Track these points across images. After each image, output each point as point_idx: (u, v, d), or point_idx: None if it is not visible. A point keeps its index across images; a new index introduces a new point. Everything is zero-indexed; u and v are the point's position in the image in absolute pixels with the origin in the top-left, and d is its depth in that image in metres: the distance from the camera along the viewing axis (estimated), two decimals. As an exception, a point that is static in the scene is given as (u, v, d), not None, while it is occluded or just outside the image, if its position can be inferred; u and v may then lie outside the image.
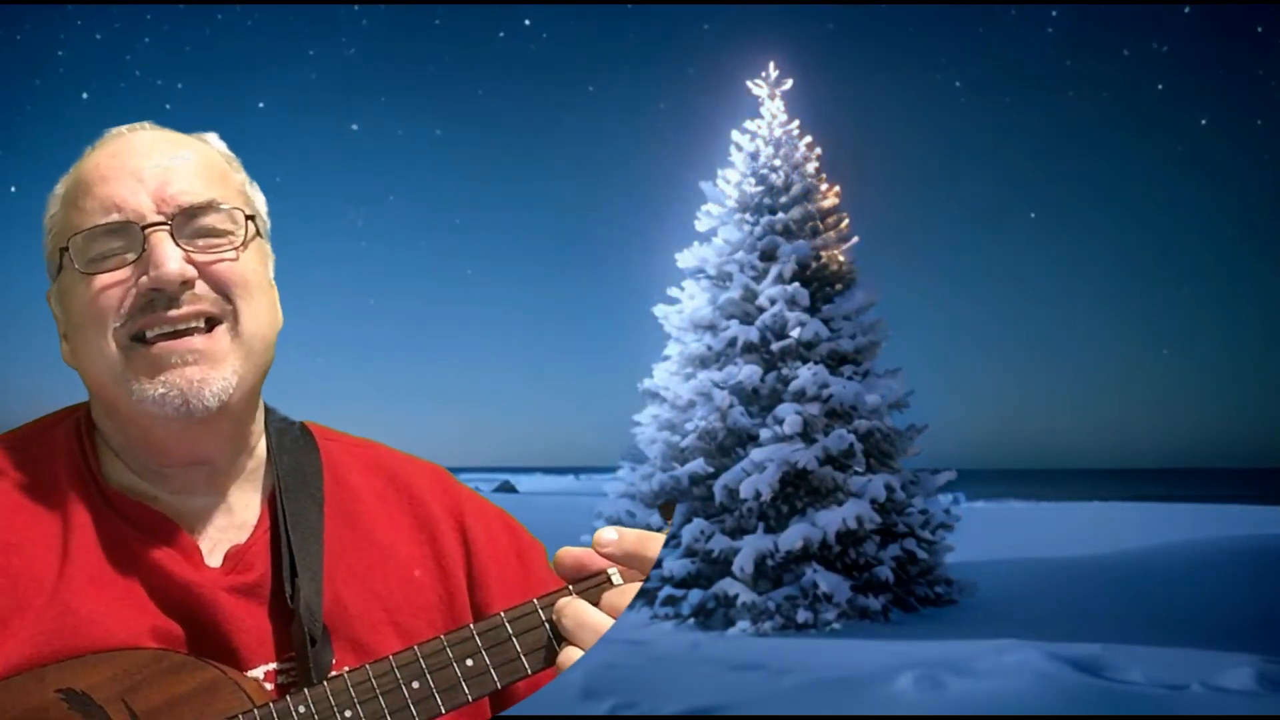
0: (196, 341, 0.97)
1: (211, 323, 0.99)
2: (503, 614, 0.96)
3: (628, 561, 0.99)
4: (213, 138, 1.10)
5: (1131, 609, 10.85)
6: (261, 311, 1.03)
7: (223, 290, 1.00)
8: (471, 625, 0.95)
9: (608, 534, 0.99)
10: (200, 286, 0.99)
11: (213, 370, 0.97)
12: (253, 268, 1.03)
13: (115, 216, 0.98)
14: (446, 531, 1.13)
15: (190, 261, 0.98)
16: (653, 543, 1.00)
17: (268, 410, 1.12)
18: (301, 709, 0.92)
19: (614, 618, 0.98)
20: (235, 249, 1.01)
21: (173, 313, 0.97)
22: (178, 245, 0.98)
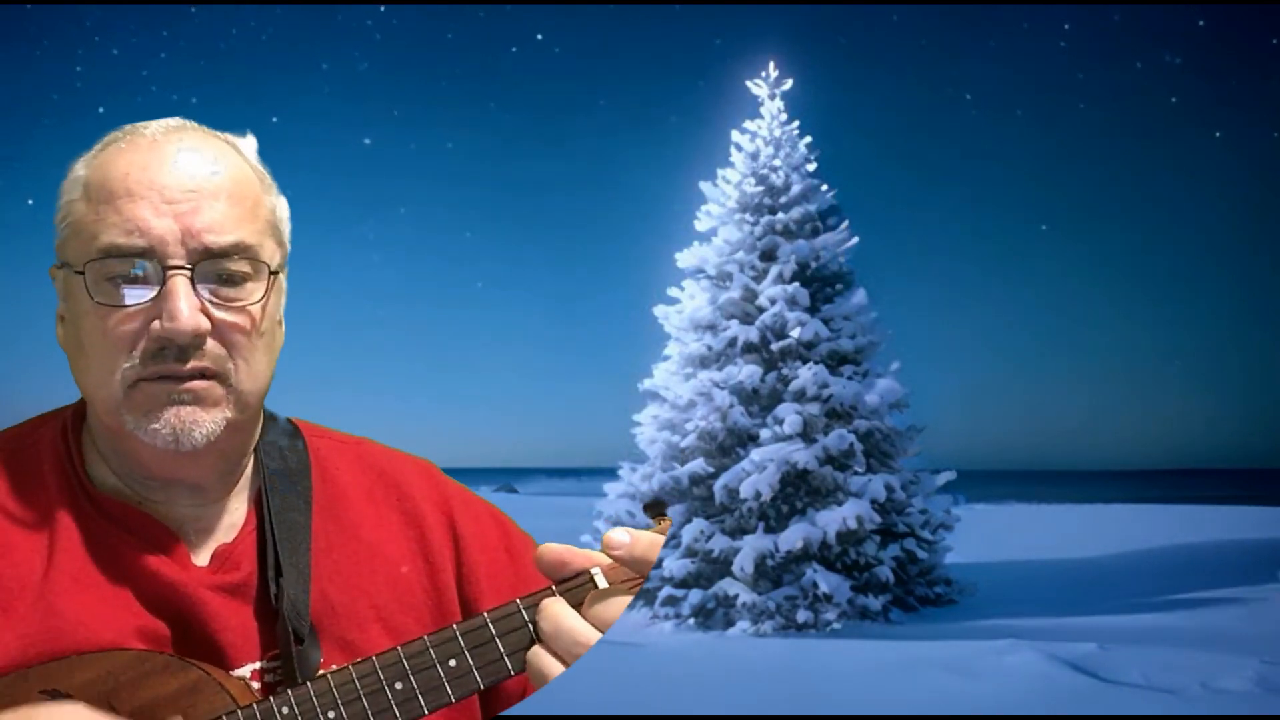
0: (194, 385, 0.97)
1: (210, 375, 0.98)
2: (486, 614, 0.96)
3: (633, 566, 0.98)
4: (249, 147, 1.06)
5: (1131, 610, 10.85)
6: (261, 365, 1.02)
7: (230, 348, 0.98)
8: (455, 626, 0.95)
9: (619, 536, 0.97)
10: (210, 343, 0.97)
11: (204, 413, 0.97)
12: (264, 325, 1.01)
13: (138, 241, 0.95)
14: (435, 527, 1.13)
15: (206, 314, 0.97)
16: (656, 549, 0.98)
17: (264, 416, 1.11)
18: (285, 710, 0.92)
19: (600, 629, 0.96)
20: (249, 309, 0.99)
21: (178, 366, 0.96)
22: (196, 294, 0.96)
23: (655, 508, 1.03)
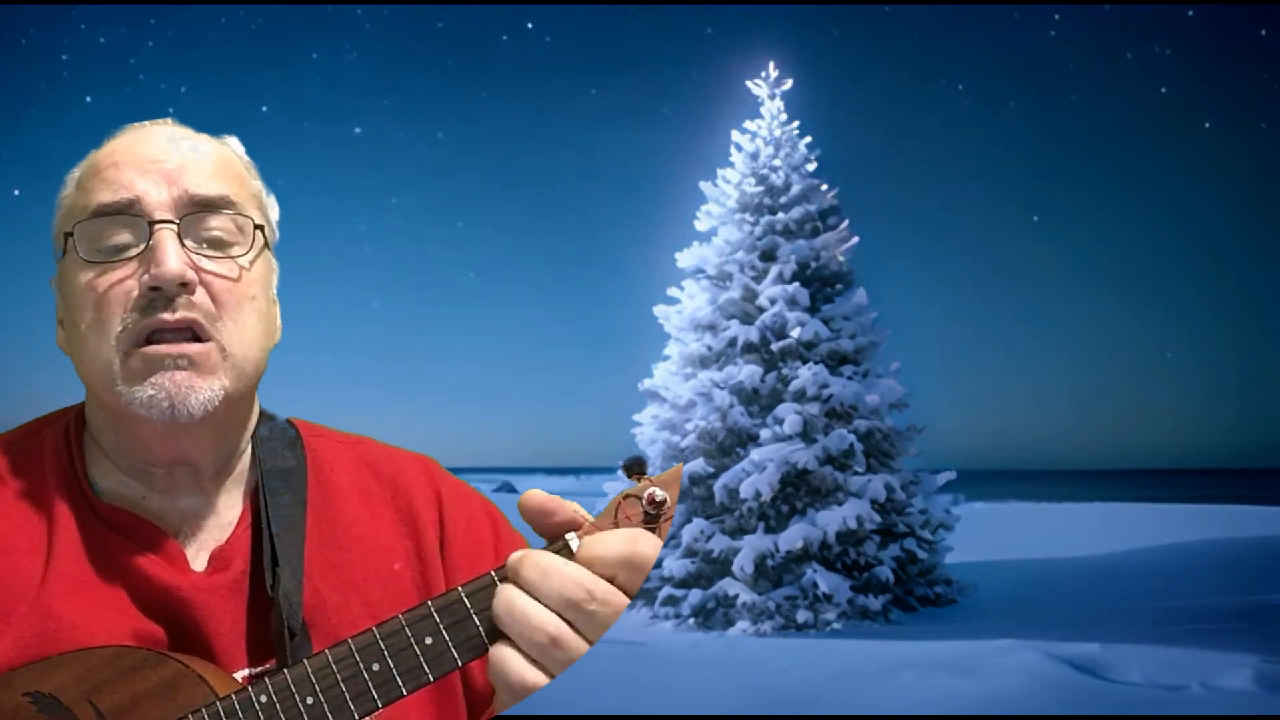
0: (188, 348, 0.97)
1: (201, 336, 0.98)
2: (460, 588, 0.93)
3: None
4: (234, 141, 1.09)
5: (1131, 609, 10.85)
6: (254, 330, 1.02)
7: (218, 304, 0.99)
8: (429, 602, 0.93)
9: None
10: (199, 294, 0.98)
11: (200, 379, 0.97)
12: (252, 289, 1.02)
13: (124, 195, 0.98)
14: (428, 522, 1.12)
15: (192, 266, 0.98)
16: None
17: (260, 413, 1.12)
18: (263, 698, 0.91)
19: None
20: (239, 263, 1.01)
21: (166, 316, 0.97)
22: (183, 247, 0.98)
23: (634, 466, 0.97)
